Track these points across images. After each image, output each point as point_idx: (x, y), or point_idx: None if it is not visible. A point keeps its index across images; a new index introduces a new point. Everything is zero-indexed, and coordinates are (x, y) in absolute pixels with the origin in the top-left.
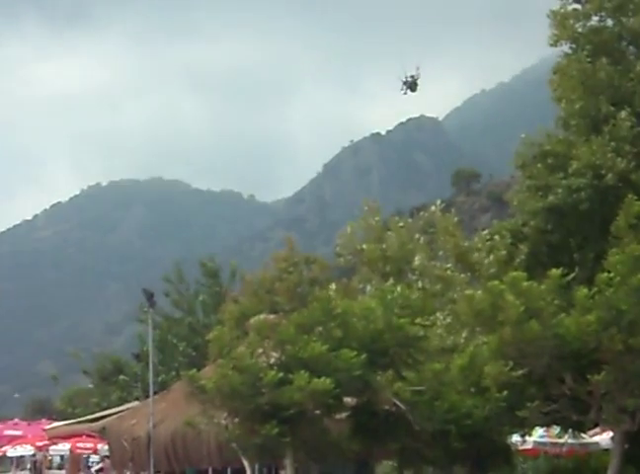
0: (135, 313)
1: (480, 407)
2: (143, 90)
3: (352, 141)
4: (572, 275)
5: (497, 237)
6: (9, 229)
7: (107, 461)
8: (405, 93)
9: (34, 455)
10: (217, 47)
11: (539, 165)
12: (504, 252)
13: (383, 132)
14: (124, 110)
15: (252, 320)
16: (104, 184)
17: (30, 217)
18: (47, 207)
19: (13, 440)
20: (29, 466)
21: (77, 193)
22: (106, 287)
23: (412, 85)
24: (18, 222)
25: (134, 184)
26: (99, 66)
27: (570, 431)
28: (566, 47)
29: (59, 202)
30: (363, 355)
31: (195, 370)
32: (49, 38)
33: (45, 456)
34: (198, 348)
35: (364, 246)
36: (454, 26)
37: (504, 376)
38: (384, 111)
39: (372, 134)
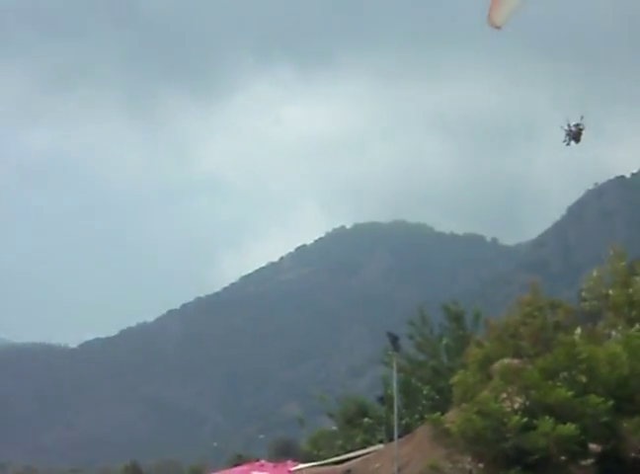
0: (379, 356)
1: None
2: (390, 132)
3: (596, 184)
4: None
5: None
6: (256, 271)
7: None
8: (568, 144)
9: None
10: (464, 90)
11: None
12: None
13: (628, 175)
14: (371, 152)
15: (496, 364)
16: (348, 226)
17: (276, 259)
18: (293, 250)
19: None
20: None
21: (322, 235)
22: (349, 330)
23: (576, 135)
24: (264, 264)
25: (378, 226)
26: (345, 108)
27: None
28: None
29: (304, 245)
30: (611, 402)
31: (439, 414)
32: (298, 80)
33: None
34: (441, 391)
35: (610, 291)
36: None
37: None
38: (629, 153)
39: (617, 177)
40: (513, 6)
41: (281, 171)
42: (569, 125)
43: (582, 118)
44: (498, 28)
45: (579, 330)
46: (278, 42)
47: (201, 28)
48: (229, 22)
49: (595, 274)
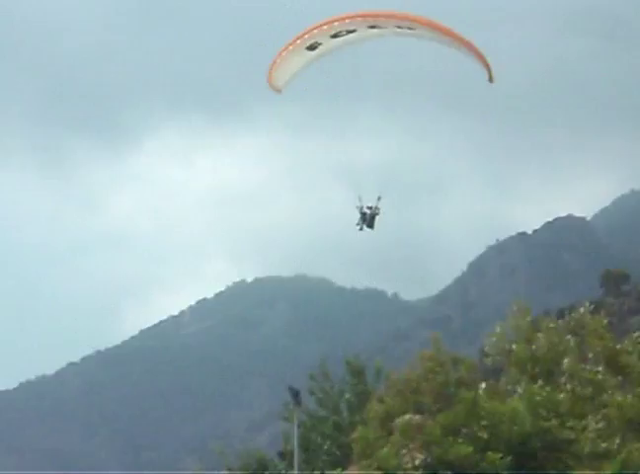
0: (279, 410)
1: None
2: (294, 186)
3: (497, 240)
4: None
5: None
6: (155, 324)
7: None
8: (361, 229)
9: None
10: (368, 144)
11: None
12: None
13: (530, 232)
14: (277, 205)
15: (397, 420)
16: (249, 280)
17: (176, 313)
18: (194, 303)
19: None
20: None
21: (222, 289)
22: (249, 384)
23: (370, 221)
24: (164, 318)
25: (279, 281)
26: (254, 159)
27: None
28: None
29: (205, 298)
30: (509, 458)
31: (339, 470)
32: (209, 130)
33: None
34: (342, 447)
35: (514, 346)
36: (602, 126)
37: None
38: (531, 210)
39: (519, 233)
40: (291, 72)
41: (189, 221)
42: (362, 207)
43: (379, 198)
44: (278, 91)
45: (484, 385)
46: (191, 92)
47: (114, 78)
48: (142, 72)
49: (498, 329)
